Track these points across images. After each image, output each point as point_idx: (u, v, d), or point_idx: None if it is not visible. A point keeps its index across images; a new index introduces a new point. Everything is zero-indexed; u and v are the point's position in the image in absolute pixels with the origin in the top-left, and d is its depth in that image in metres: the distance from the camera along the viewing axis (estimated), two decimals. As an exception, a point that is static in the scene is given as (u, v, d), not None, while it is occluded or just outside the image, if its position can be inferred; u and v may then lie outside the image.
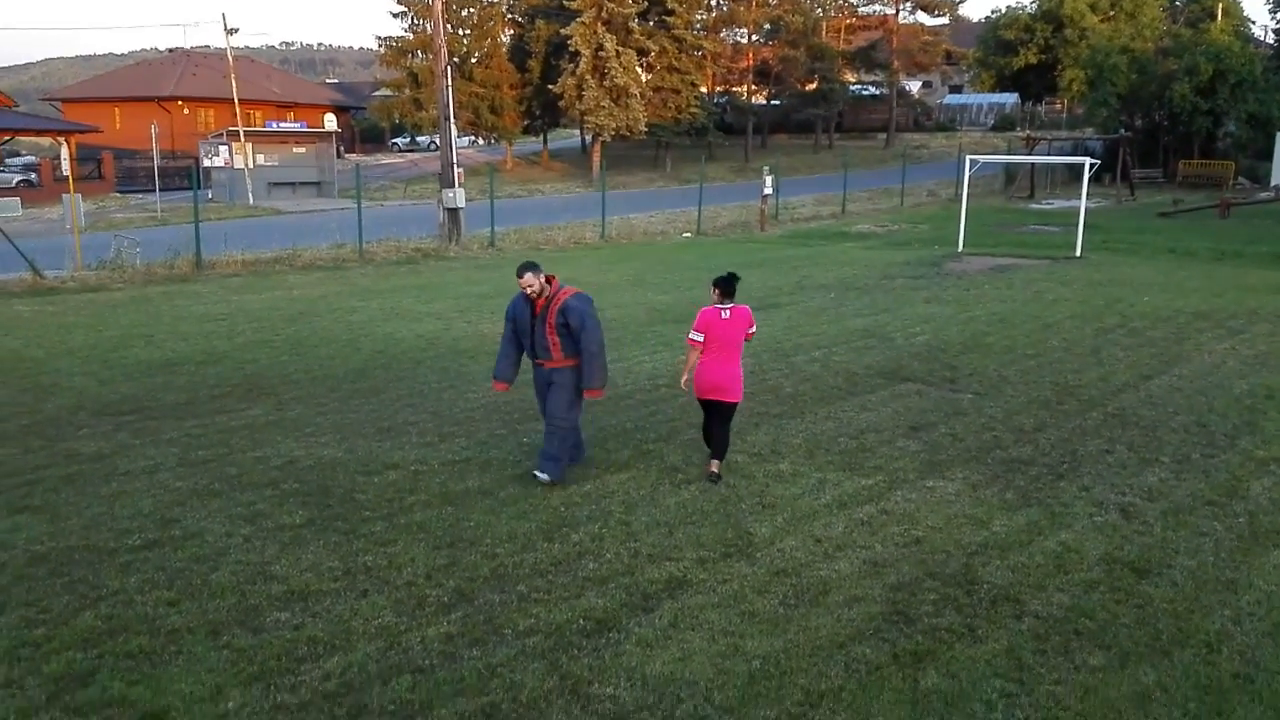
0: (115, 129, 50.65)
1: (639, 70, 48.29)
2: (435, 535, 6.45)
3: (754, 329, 7.57)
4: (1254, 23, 66.32)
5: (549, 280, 7.25)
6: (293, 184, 41.08)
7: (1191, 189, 40.86)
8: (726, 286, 7.40)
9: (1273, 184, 39.64)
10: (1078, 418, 9.21)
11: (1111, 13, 59.18)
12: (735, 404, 7.61)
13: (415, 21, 49.49)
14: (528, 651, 5.01)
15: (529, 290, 7.16)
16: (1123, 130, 45.42)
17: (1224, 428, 8.86)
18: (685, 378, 7.67)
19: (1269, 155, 41.63)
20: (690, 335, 7.46)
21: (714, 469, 7.56)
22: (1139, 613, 5.42)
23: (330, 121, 45.28)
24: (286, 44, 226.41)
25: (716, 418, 7.61)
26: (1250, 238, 25.40)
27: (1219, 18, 55.56)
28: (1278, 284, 17.63)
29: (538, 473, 7.32)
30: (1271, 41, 59.56)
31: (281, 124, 47.32)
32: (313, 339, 13.11)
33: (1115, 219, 30.35)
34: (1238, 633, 5.21)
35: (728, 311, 7.37)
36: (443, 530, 6.53)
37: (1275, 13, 59.07)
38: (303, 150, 42.24)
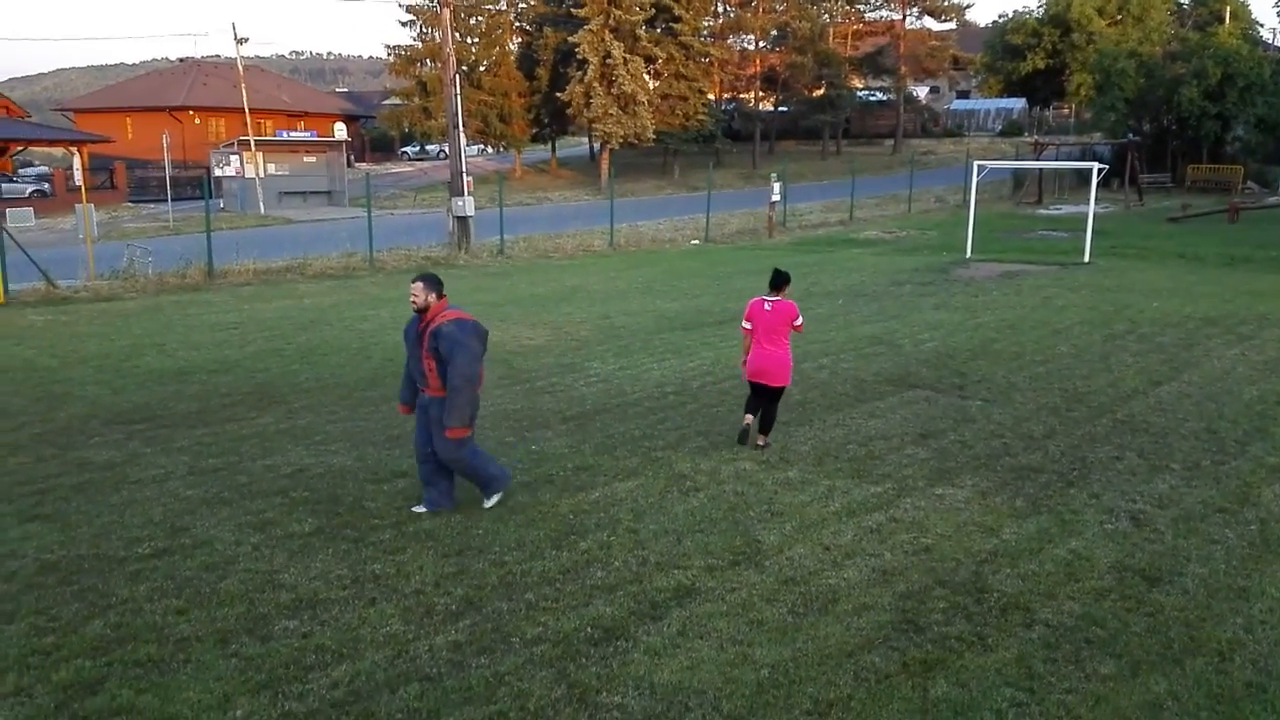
0: (127, 139, 51.00)
1: (646, 78, 48.38)
2: (443, 543, 6.45)
3: (800, 322, 8.37)
4: (1262, 25, 66.01)
5: (440, 299, 6.77)
6: (303, 193, 41.25)
7: (1200, 194, 40.71)
8: (772, 281, 8.32)
9: (1283, 188, 39.49)
10: (1087, 424, 9.17)
11: (1119, 17, 59.09)
12: (780, 388, 8.39)
13: (424, 30, 49.66)
14: (535, 660, 5.00)
15: (413, 301, 6.71)
16: (1131, 135, 45.25)
17: (1234, 434, 8.81)
18: (743, 358, 8.53)
19: (1278, 160, 41.45)
20: (742, 324, 8.48)
21: (760, 442, 8.42)
22: (1150, 621, 5.39)
23: (340, 130, 45.39)
24: (296, 53, 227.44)
25: (763, 398, 8.41)
26: (1260, 242, 25.29)
27: (1227, 21, 55.38)
28: (1289, 289, 17.54)
29: (485, 504, 7.06)
30: (1281, 45, 59.46)
31: (292, 133, 47.56)
32: (323, 347, 13.15)
33: (1124, 224, 30.26)
34: (1250, 641, 5.18)
35: (769, 305, 8.25)
36: (451, 538, 6.54)
37: (1285, 16, 58.86)
38: (313, 159, 42.42)
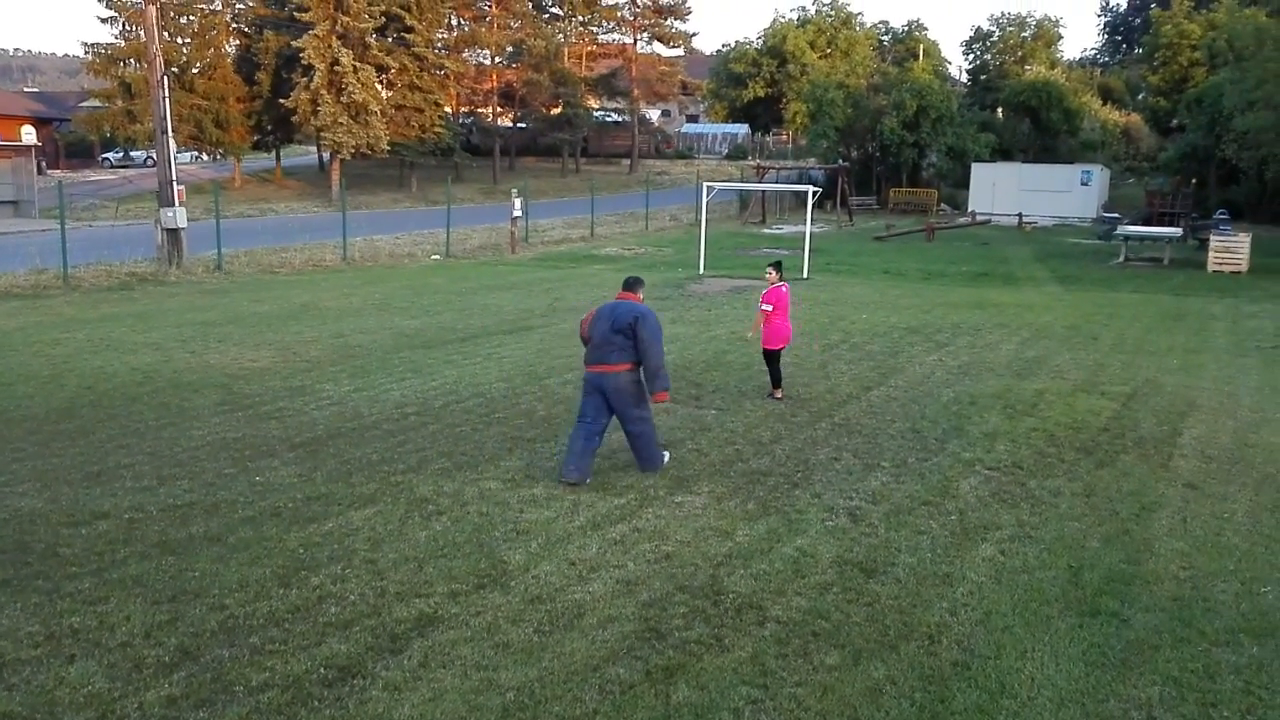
0: None
1: (379, 87, 46.98)
2: (154, 589, 5.85)
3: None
4: (950, 63, 73.83)
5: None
6: (-16, 202, 36.67)
7: (902, 215, 44.86)
8: (779, 268, 10.83)
9: (970, 210, 44.30)
10: (809, 428, 9.78)
11: (828, 50, 64.17)
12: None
13: (126, 27, 45.60)
14: (262, 708, 4.63)
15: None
16: (841, 160, 49.25)
17: (935, 433, 9.70)
18: (751, 334, 11.51)
19: (967, 184, 46.52)
20: (762, 307, 10.70)
21: (778, 395, 10.82)
22: (869, 610, 5.78)
23: (29, 134, 40.73)
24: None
25: (774, 360, 10.81)
26: (952, 259, 28.20)
27: (921, 58, 61.58)
28: (976, 300, 19.64)
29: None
30: (966, 81, 66.89)
31: (-31, 135, 42.15)
32: (7, 376, 11.68)
33: (837, 243, 32.77)
34: (955, 623, 5.66)
35: (785, 286, 10.73)
36: (163, 583, 5.94)
37: (968, 55, 66.35)
38: (-5, 165, 37.81)
